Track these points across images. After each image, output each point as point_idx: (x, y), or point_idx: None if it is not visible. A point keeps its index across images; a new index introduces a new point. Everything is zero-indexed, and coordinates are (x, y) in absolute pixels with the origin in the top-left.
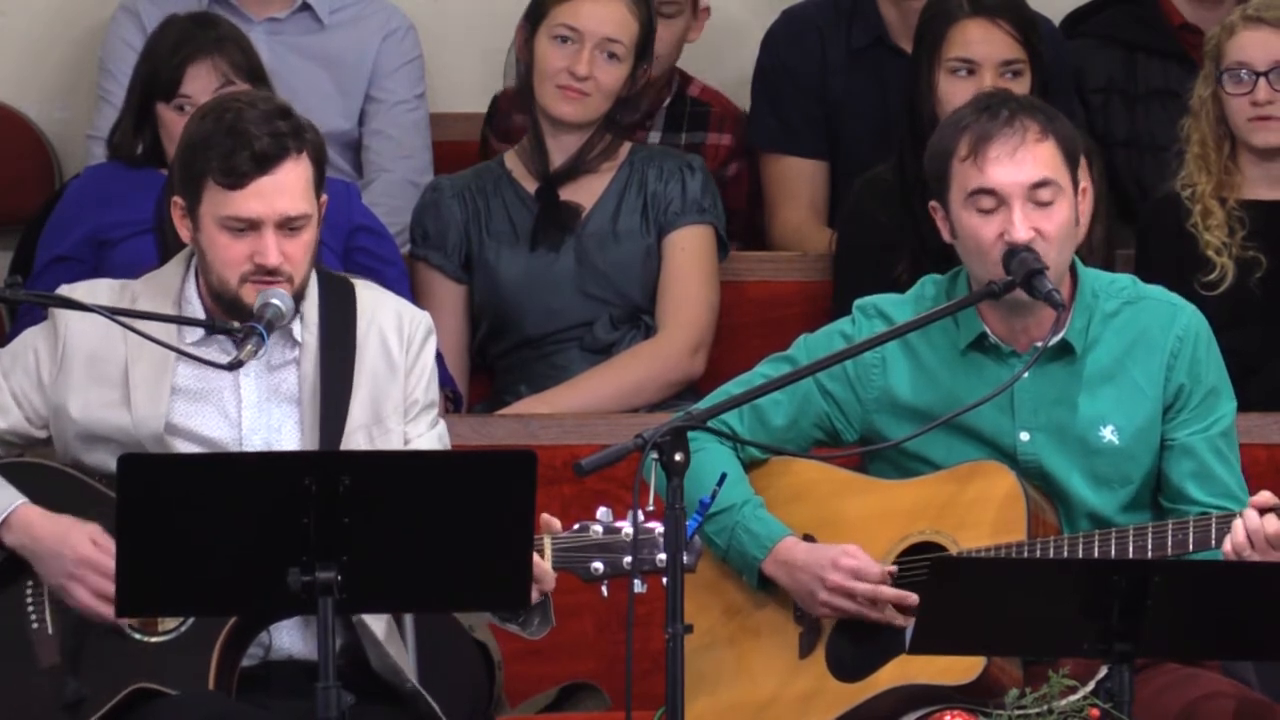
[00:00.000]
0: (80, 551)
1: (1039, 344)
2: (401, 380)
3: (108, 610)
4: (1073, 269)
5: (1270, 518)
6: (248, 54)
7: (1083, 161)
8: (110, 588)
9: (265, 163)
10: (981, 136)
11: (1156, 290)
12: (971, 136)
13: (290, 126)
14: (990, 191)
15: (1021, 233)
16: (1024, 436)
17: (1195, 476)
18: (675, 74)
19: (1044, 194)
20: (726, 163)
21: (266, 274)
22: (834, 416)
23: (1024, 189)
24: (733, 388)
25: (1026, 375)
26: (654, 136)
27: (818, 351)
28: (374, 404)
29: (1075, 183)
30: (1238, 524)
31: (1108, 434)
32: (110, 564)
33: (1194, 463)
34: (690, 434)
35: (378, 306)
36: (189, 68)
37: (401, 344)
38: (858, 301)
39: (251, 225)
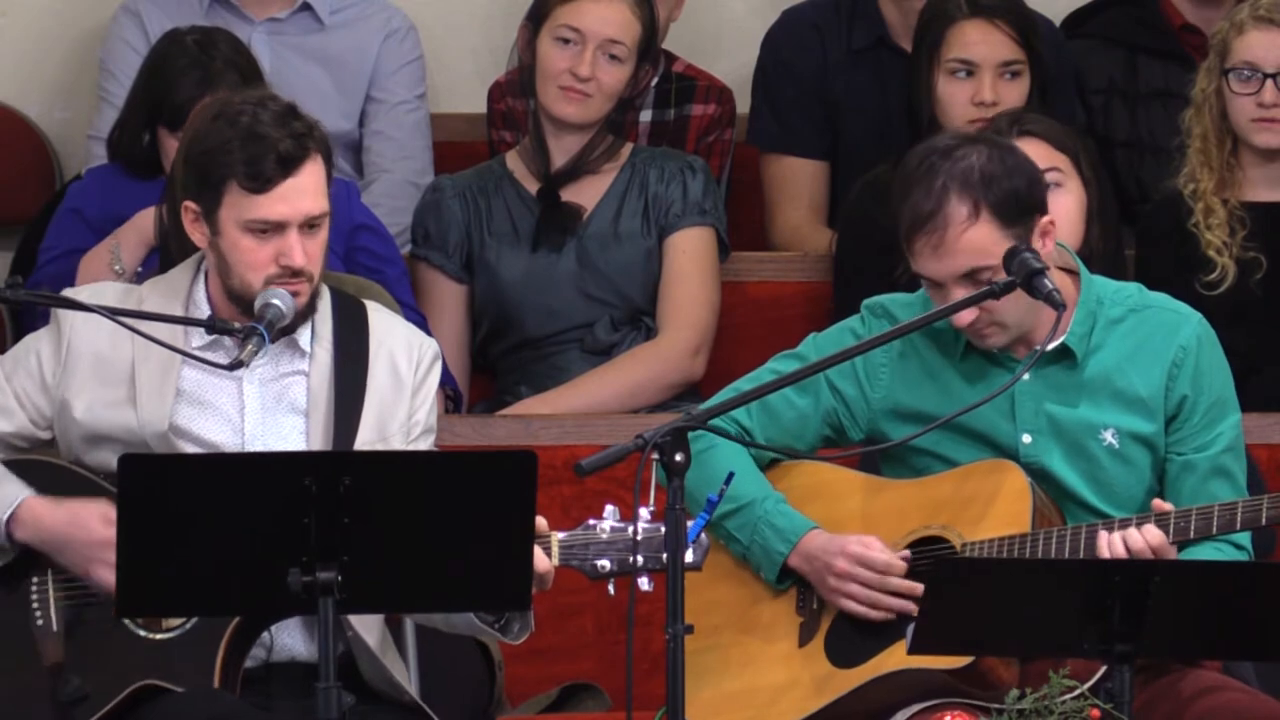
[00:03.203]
0: (95, 535)
1: (1038, 348)
2: (408, 400)
3: None
4: (1077, 274)
5: (1132, 533)
6: (247, 74)
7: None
8: None
9: (289, 165)
10: (911, 222)
11: (1162, 298)
12: (905, 217)
13: (304, 126)
14: (925, 275)
15: (963, 316)
16: (1026, 439)
17: (1195, 498)
18: (660, 54)
19: (979, 276)
20: (717, 130)
21: (292, 275)
22: (842, 414)
23: (953, 277)
24: (743, 384)
25: (1027, 377)
26: (645, 115)
27: (827, 349)
28: (380, 421)
29: (1028, 231)
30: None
31: (1108, 437)
32: None
33: (1195, 480)
34: (701, 433)
35: (388, 329)
36: (195, 105)
37: (410, 365)
38: (866, 301)
39: (276, 227)
